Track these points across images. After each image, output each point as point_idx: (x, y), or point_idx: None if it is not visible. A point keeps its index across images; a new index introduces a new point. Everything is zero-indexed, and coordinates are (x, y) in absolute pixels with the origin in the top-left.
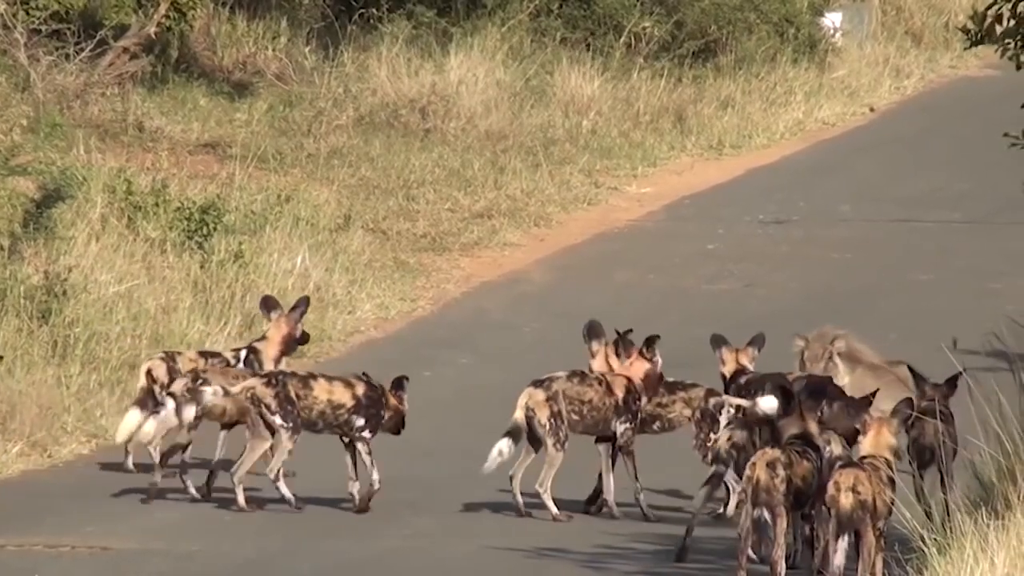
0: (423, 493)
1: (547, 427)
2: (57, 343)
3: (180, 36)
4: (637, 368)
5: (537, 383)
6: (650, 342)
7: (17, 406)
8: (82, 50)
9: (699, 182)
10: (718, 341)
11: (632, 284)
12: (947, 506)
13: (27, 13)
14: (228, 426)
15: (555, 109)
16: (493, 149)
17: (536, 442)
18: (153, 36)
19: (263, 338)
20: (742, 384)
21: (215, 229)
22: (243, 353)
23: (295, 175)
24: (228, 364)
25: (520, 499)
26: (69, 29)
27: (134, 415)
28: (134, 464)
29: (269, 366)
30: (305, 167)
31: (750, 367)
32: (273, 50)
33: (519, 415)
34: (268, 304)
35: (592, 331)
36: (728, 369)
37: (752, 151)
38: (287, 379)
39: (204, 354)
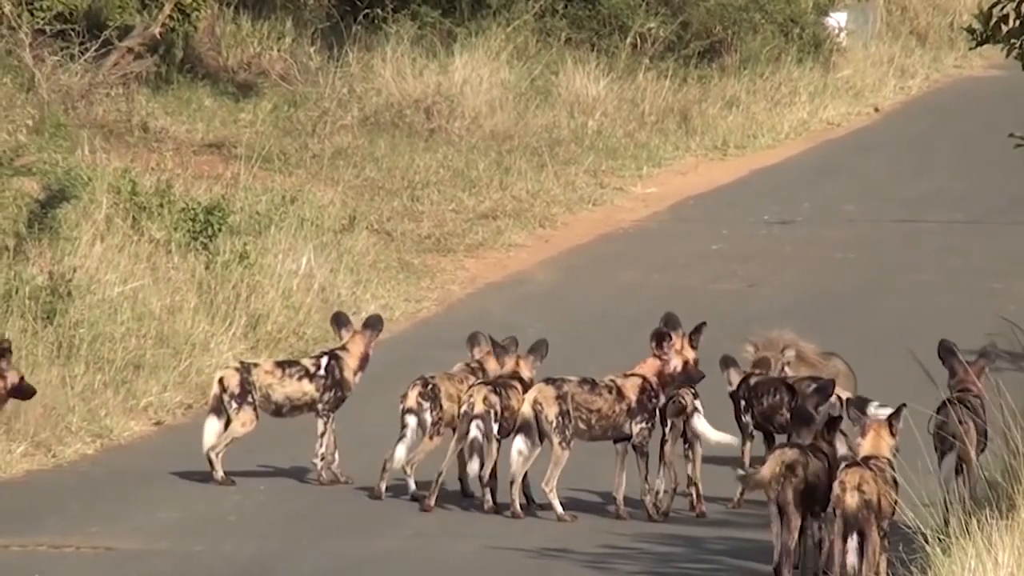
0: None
1: (554, 424)
2: (62, 343)
3: (184, 36)
4: (651, 365)
5: (549, 380)
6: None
7: (22, 406)
8: (87, 50)
9: (704, 182)
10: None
11: (637, 284)
12: (969, 496)
13: (32, 14)
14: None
15: (560, 109)
16: (498, 150)
17: (543, 437)
18: (158, 36)
19: (343, 348)
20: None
21: (220, 230)
22: (324, 360)
23: (300, 175)
24: (307, 372)
25: (518, 503)
26: (74, 29)
27: (212, 423)
28: (224, 474)
29: (350, 378)
30: (310, 168)
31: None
32: (278, 50)
33: (526, 409)
34: (340, 320)
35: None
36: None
37: (757, 151)
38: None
39: (281, 364)
